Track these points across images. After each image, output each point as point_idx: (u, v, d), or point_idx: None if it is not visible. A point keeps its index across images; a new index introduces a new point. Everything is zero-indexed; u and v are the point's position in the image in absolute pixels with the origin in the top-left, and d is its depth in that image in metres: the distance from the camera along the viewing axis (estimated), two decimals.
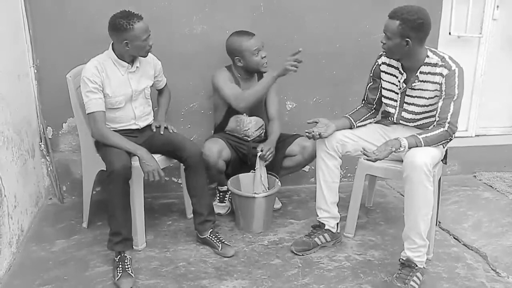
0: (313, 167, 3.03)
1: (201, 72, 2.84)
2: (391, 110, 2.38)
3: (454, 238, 2.56)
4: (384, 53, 2.25)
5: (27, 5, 2.60)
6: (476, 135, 3.66)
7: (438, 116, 2.16)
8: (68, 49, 2.69)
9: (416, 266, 2.10)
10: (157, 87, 2.59)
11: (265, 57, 2.58)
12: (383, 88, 2.39)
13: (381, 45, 2.19)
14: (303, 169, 2.90)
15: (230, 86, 2.58)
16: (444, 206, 2.86)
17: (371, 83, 2.44)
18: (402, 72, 2.27)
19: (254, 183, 2.56)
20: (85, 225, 2.59)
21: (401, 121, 2.36)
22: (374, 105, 2.46)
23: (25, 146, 2.57)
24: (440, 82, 2.15)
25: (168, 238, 2.50)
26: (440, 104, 2.15)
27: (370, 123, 2.47)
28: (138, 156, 2.22)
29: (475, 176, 3.46)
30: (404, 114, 2.33)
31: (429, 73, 2.18)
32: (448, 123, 2.12)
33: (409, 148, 2.09)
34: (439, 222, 2.66)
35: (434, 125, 2.19)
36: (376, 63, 2.40)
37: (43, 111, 2.78)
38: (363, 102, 2.49)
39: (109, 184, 2.15)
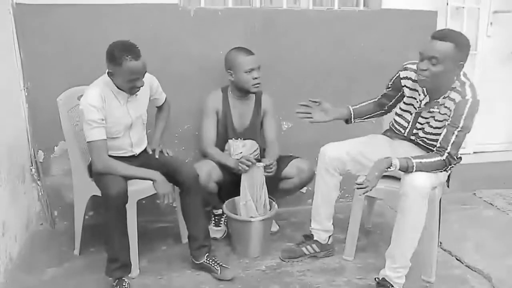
0: (310, 188, 2.97)
1: (195, 93, 2.80)
2: (404, 124, 2.29)
3: (456, 259, 2.50)
4: (420, 79, 2.05)
5: (18, 27, 2.56)
6: (474, 152, 3.62)
7: (439, 143, 2.07)
8: (59, 72, 2.64)
9: (392, 286, 2.08)
10: (156, 105, 2.54)
11: (257, 78, 2.53)
12: (404, 103, 2.29)
13: (421, 71, 2.01)
14: (300, 190, 2.83)
15: (208, 125, 2.60)
16: (444, 226, 2.77)
17: (389, 89, 2.33)
18: (426, 94, 2.15)
19: (241, 193, 2.47)
20: (76, 252, 2.51)
21: (411, 137, 2.28)
22: (385, 107, 2.39)
23: (15, 170, 2.51)
24: (450, 108, 2.05)
25: (162, 264, 2.42)
26: (444, 130, 2.06)
27: (371, 120, 2.39)
28: (153, 180, 2.18)
29: (475, 194, 3.41)
30: (415, 131, 2.26)
31: (447, 97, 2.07)
32: (448, 153, 2.04)
33: (400, 169, 2.03)
34: (440, 243, 2.60)
35: (434, 151, 2.10)
36: (398, 75, 2.26)
37: (34, 134, 2.72)
38: (378, 99, 2.39)
39: (105, 210, 2.09)
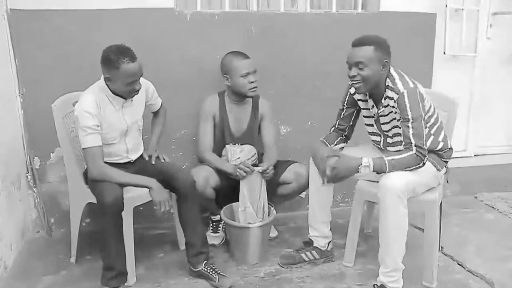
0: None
1: (192, 97, 2.77)
2: (376, 138, 2.32)
3: (458, 264, 2.46)
4: (355, 87, 2.13)
5: (13, 33, 2.54)
6: (475, 155, 3.59)
7: (403, 141, 2.09)
8: (54, 78, 2.62)
9: None
10: (152, 110, 2.51)
11: (253, 82, 2.50)
12: (364, 116, 2.34)
13: (353, 78, 2.09)
14: (299, 195, 2.80)
15: (204, 130, 2.57)
16: (445, 230, 2.75)
17: (344, 111, 2.37)
18: (369, 98, 2.23)
19: (240, 198, 2.44)
20: (73, 260, 2.47)
21: (388, 148, 2.28)
22: (345, 132, 2.40)
23: (11, 177, 2.48)
24: (394, 106, 2.09)
25: (160, 271, 2.39)
26: (402, 129, 2.09)
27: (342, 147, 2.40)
28: (149, 187, 2.16)
29: (476, 197, 3.38)
30: (388, 140, 2.26)
31: (387, 97, 2.13)
32: (415, 146, 2.04)
33: (374, 169, 2.03)
34: (442, 247, 2.57)
35: (403, 149, 2.10)
36: (349, 93, 2.33)
37: (30, 141, 2.69)
38: (334, 129, 2.42)
39: (101, 217, 2.06)
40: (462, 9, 3.26)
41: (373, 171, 2.06)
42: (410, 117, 2.04)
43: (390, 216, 2.03)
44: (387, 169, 2.03)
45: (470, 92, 3.50)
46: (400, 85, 2.07)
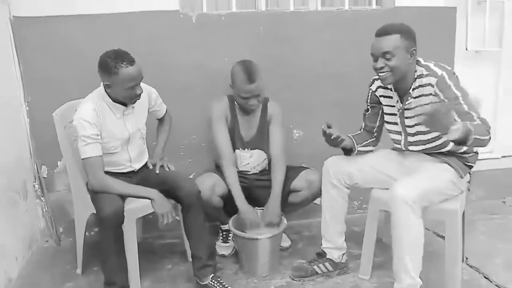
0: None
1: (200, 102, 2.68)
2: (397, 136, 2.18)
3: (484, 277, 2.29)
4: (382, 78, 1.98)
5: (16, 40, 2.51)
6: (502, 156, 3.39)
7: (462, 118, 1.85)
8: (60, 85, 2.58)
9: None
10: (157, 117, 2.44)
11: (253, 104, 2.38)
12: (385, 114, 2.21)
13: (380, 70, 1.95)
14: (314, 202, 2.67)
15: (221, 135, 2.44)
16: (470, 238, 2.58)
17: (369, 111, 2.28)
18: (394, 91, 2.09)
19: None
20: (79, 271, 2.42)
21: (409, 147, 2.13)
22: (374, 133, 2.29)
23: (16, 187, 2.44)
24: (433, 93, 1.93)
25: (167, 284, 2.30)
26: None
27: (371, 150, 2.29)
28: (151, 199, 2.08)
29: (504, 201, 3.18)
30: (410, 138, 2.11)
31: (419, 86, 1.98)
32: (478, 118, 1.85)
33: (462, 130, 1.72)
34: (466, 258, 2.40)
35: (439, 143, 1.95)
36: (370, 91, 2.23)
37: (37, 149, 2.66)
38: (362, 130, 2.33)
39: (101, 230, 2.00)
40: (485, 1, 3.07)
41: (461, 134, 1.73)
42: (458, 94, 1.89)
43: (402, 227, 1.90)
44: (473, 131, 1.73)
45: (495, 89, 3.30)
46: (436, 69, 1.95)
